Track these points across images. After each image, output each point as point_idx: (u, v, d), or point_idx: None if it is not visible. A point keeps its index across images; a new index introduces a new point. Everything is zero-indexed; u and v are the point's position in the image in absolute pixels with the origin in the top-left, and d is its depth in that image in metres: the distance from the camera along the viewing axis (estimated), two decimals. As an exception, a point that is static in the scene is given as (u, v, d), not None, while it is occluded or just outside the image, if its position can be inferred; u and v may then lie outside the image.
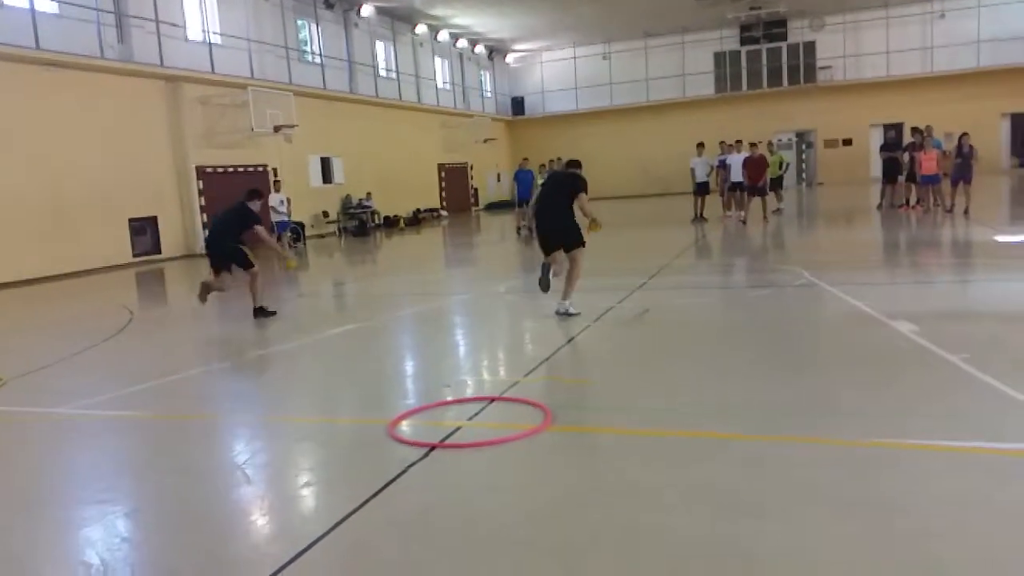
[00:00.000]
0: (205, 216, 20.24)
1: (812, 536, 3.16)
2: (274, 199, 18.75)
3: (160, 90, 19.52)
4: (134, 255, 18.76)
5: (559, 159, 22.25)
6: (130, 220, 18.67)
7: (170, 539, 3.60)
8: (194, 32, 20.87)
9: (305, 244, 22.20)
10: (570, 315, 8.08)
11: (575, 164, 8.55)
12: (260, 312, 9.47)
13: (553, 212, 8.18)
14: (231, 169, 21.25)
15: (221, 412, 5.79)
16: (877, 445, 4.03)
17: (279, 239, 18.62)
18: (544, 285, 8.32)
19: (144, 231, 19.11)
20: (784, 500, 3.51)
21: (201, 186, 20.17)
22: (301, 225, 22.52)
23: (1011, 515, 3.23)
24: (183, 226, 20.22)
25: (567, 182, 8.23)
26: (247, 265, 9.35)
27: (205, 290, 9.70)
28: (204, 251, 10.05)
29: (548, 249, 8.27)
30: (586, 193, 8.11)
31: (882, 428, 4.31)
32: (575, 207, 8.11)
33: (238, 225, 9.38)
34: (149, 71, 18.90)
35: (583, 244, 8.20)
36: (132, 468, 4.68)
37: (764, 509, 3.42)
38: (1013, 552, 2.96)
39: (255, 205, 9.49)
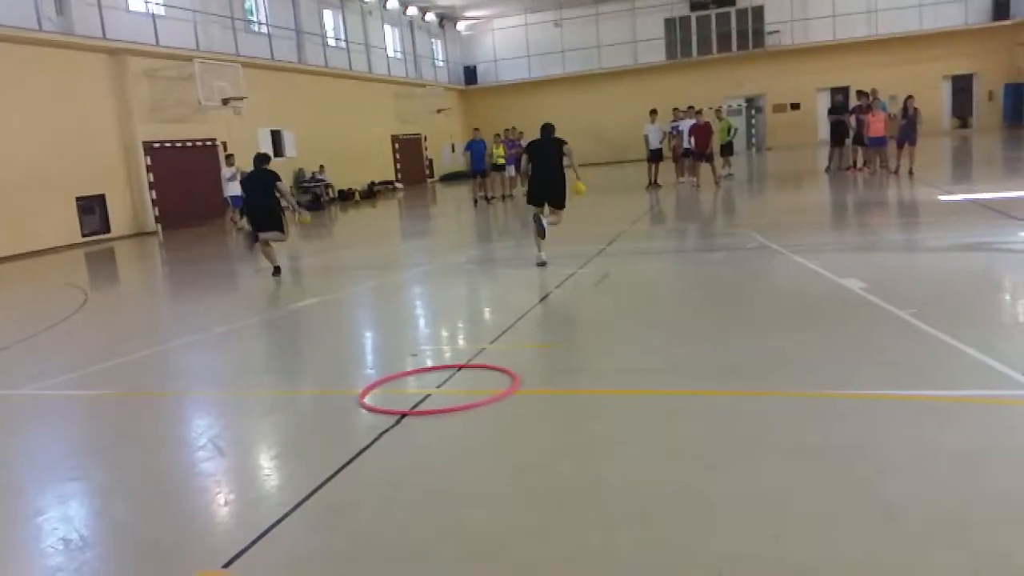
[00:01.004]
0: (154, 193, 19.82)
1: (772, 482, 3.33)
2: (226, 173, 18.40)
3: (103, 63, 18.96)
4: (83, 234, 18.32)
5: (514, 128, 22.35)
6: (77, 199, 18.21)
7: (147, 512, 3.64)
8: (136, 3, 20.26)
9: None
10: (544, 264, 9.27)
11: (551, 127, 9.70)
12: (276, 271, 10.52)
13: (548, 170, 9.46)
14: (179, 144, 20.81)
15: (187, 388, 5.79)
16: (831, 396, 4.24)
17: (235, 214, 18.37)
18: (540, 232, 9.40)
19: (92, 210, 18.64)
20: (744, 450, 3.68)
21: (149, 162, 19.71)
22: None
23: (957, 456, 3.45)
24: (132, 203, 19.77)
25: (555, 144, 9.49)
26: (282, 230, 10.57)
27: (251, 243, 10.68)
28: (243, 215, 11.20)
29: (540, 202, 9.54)
30: (569, 145, 9.49)
31: (835, 379, 4.52)
32: (564, 162, 9.46)
33: (269, 184, 10.31)
34: (91, 44, 18.32)
35: (565, 205, 9.62)
36: (102, 446, 4.68)
37: (726, 459, 3.60)
38: (961, 489, 3.17)
39: (268, 165, 10.59)
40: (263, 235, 10.42)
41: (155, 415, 5.15)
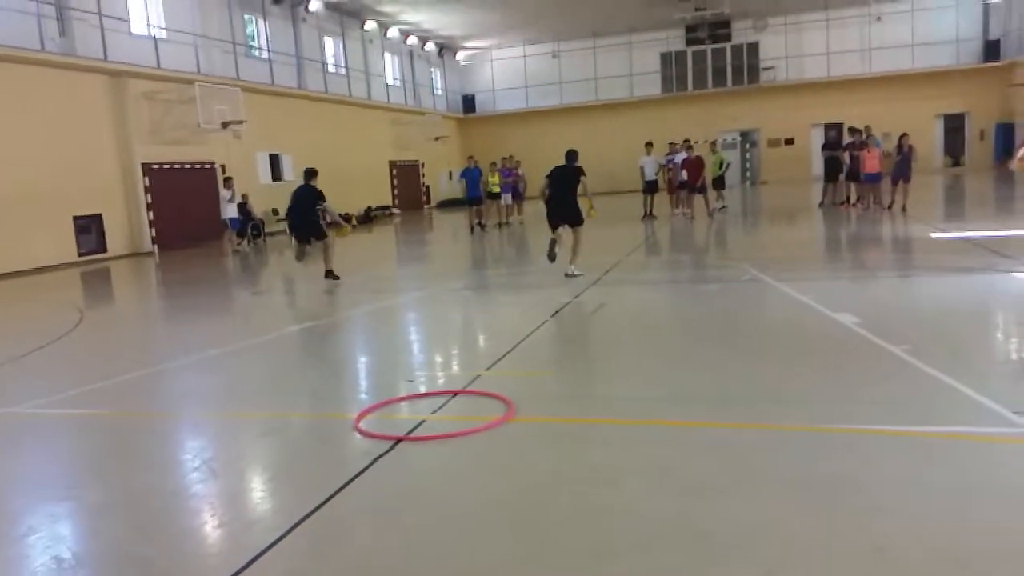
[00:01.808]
0: (151, 214, 19.87)
1: (766, 515, 3.35)
2: (224, 195, 18.51)
3: (104, 85, 19.10)
4: (79, 254, 18.34)
5: (511, 157, 22.54)
6: (75, 218, 18.25)
7: (142, 532, 3.63)
8: (138, 26, 20.47)
9: (265, 241, 22.08)
10: (575, 276, 10.22)
11: (574, 155, 10.75)
12: (329, 275, 11.49)
13: (564, 196, 10.44)
14: (178, 166, 20.92)
15: (182, 409, 5.78)
16: (824, 430, 4.27)
17: (237, 236, 18.47)
18: (551, 257, 10.52)
19: (89, 229, 18.69)
20: (739, 482, 3.70)
21: (147, 183, 19.80)
22: (262, 222, 22.40)
23: (948, 492, 3.48)
24: (129, 224, 19.82)
25: (573, 172, 10.45)
26: (322, 235, 11.52)
27: (300, 254, 12.12)
28: (288, 229, 12.22)
29: (556, 224, 10.58)
30: (585, 177, 10.50)
31: (829, 414, 4.55)
32: (579, 188, 10.44)
33: (312, 202, 11.35)
34: (92, 65, 18.48)
35: (583, 222, 10.56)
36: (96, 465, 4.67)
37: (721, 490, 3.62)
38: (952, 526, 3.19)
39: (315, 182, 11.57)
40: (309, 247, 11.77)
41: (149, 436, 5.15)
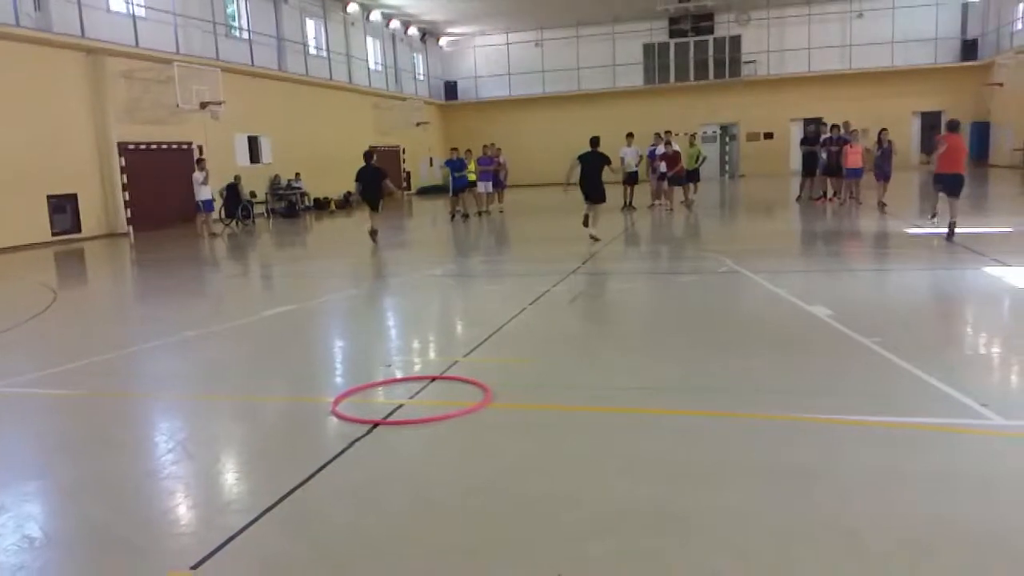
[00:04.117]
0: (127, 194, 19.61)
1: (739, 502, 3.41)
2: (198, 176, 18.24)
3: (81, 62, 18.78)
4: (53, 234, 18.06)
5: (492, 144, 22.47)
6: (48, 197, 17.96)
7: (115, 512, 3.61)
8: (117, 3, 20.12)
9: (254, 221, 21.96)
10: (596, 240, 13.01)
11: (597, 141, 13.50)
12: (373, 235, 14.72)
13: (594, 177, 13.21)
14: (155, 146, 20.64)
15: (157, 391, 5.74)
16: (797, 419, 4.34)
17: (206, 219, 18.24)
18: (585, 223, 13.28)
19: (64, 209, 18.40)
20: (713, 469, 3.76)
21: (124, 163, 19.48)
22: (251, 203, 22.25)
23: (917, 481, 3.55)
24: (105, 204, 19.54)
25: (601, 158, 13.29)
26: (378, 209, 14.90)
27: (374, 234, 14.76)
28: (362, 198, 15.40)
29: (590, 200, 13.29)
30: (611, 163, 13.75)
31: (801, 404, 4.62)
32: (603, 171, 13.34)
33: (379, 178, 14.57)
34: (69, 42, 18.15)
35: (605, 200, 13.50)
36: (70, 445, 4.63)
37: (694, 477, 3.67)
38: (921, 514, 3.27)
39: (376, 162, 14.83)
40: (373, 214, 14.90)
41: (124, 417, 5.12)
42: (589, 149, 13.26)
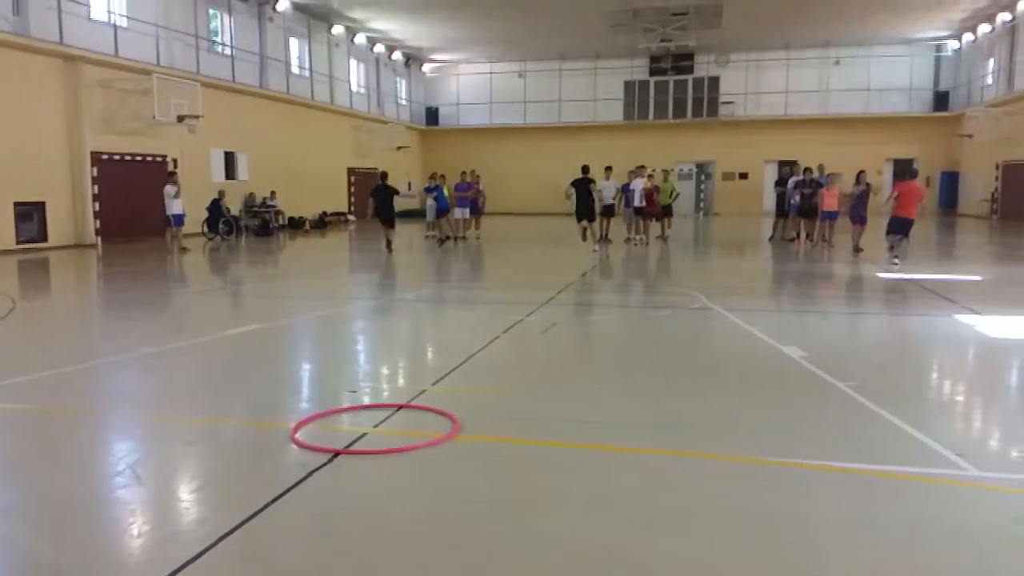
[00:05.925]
0: (97, 205, 19.26)
1: (706, 547, 3.29)
2: (169, 190, 17.86)
3: (57, 69, 18.52)
4: (18, 241, 17.66)
5: (472, 171, 22.44)
6: (15, 204, 17.59)
7: (55, 538, 3.41)
8: (99, 11, 19.92)
9: (237, 237, 21.70)
10: (595, 251, 16.45)
11: (587, 169, 17.17)
12: (388, 245, 17.33)
13: (586, 198, 16.78)
14: (129, 157, 20.37)
15: (110, 409, 5.52)
16: (768, 463, 4.24)
17: (176, 233, 17.89)
18: (584, 238, 16.84)
19: (30, 216, 18.01)
20: (680, 512, 3.64)
21: (95, 173, 19.20)
22: (235, 218, 21.99)
23: (889, 531, 3.46)
24: (74, 213, 19.17)
25: (589, 181, 16.74)
26: (393, 225, 17.71)
27: (388, 244, 17.36)
28: (376, 216, 17.78)
29: (583, 219, 16.94)
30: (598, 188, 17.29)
31: (773, 447, 4.53)
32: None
33: (391, 195, 17.44)
34: (46, 48, 17.92)
35: (595, 218, 17.21)
36: (12, 463, 4.41)
37: (661, 520, 3.55)
38: (892, 565, 3.17)
39: (388, 182, 17.87)
40: (389, 230, 17.54)
41: (73, 435, 4.89)
42: (581, 176, 16.40)
